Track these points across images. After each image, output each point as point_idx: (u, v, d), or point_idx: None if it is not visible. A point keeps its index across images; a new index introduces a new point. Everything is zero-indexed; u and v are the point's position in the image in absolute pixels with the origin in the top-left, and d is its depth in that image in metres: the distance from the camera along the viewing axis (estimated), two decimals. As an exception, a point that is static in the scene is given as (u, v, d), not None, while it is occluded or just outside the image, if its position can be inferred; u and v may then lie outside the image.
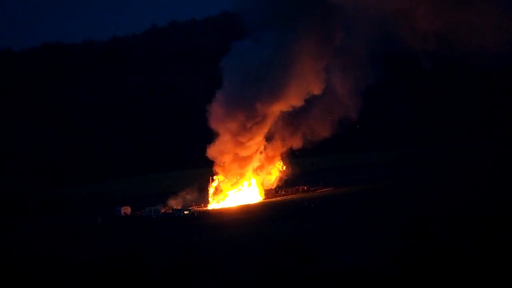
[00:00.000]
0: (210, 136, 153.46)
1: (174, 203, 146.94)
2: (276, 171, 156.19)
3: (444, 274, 63.62)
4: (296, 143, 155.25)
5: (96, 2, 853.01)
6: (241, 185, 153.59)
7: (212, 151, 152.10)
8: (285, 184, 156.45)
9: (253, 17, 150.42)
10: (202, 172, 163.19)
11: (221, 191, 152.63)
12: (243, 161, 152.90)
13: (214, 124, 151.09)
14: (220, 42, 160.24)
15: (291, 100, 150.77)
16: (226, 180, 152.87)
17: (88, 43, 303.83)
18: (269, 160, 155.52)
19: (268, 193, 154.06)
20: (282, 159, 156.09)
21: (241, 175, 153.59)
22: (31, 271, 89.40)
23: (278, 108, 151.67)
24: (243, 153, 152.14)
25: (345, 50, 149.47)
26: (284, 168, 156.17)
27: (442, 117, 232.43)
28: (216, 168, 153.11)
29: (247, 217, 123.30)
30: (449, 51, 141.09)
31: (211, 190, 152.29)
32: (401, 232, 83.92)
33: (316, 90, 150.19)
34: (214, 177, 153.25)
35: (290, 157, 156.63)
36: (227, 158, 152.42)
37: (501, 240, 71.80)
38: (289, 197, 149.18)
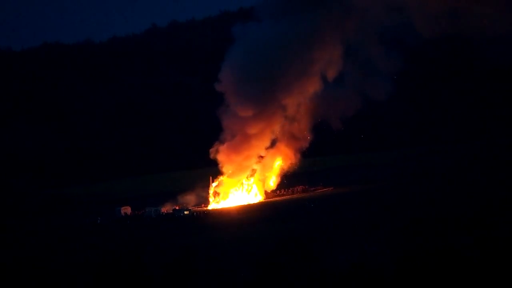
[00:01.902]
0: (210, 136, 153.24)
1: (189, 200, 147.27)
2: (278, 170, 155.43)
3: (443, 273, 63.66)
4: (304, 139, 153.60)
5: (96, 2, 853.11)
6: (242, 185, 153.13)
7: (217, 149, 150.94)
8: (285, 184, 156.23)
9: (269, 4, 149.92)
10: (202, 172, 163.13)
11: (222, 191, 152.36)
12: (248, 158, 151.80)
13: (224, 109, 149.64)
14: (219, 42, 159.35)
15: (309, 85, 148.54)
16: (228, 178, 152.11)
17: (88, 43, 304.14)
18: (274, 157, 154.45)
19: (268, 193, 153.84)
20: (286, 157, 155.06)
21: (244, 173, 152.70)
22: (31, 271, 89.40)
23: (295, 93, 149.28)
24: (250, 150, 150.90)
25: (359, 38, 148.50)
26: (287, 167, 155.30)
27: (442, 116, 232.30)
28: (219, 165, 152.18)
29: (247, 217, 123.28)
30: (458, 41, 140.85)
31: (211, 190, 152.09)
32: (401, 231, 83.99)
33: (331, 72, 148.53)
34: (216, 177, 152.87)
35: (293, 156, 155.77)
36: (231, 156, 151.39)
37: (500, 239, 71.83)
38: (288, 197, 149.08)
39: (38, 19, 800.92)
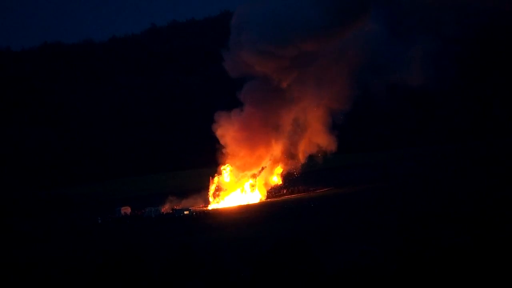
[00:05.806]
0: (210, 136, 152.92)
1: (188, 199, 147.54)
2: (280, 169, 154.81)
3: (443, 273, 63.69)
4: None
5: (96, 2, 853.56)
6: (243, 184, 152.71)
7: (224, 135, 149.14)
8: (284, 184, 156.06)
9: None
10: (203, 172, 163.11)
11: (222, 190, 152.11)
12: (256, 150, 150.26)
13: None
14: (219, 42, 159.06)
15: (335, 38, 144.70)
16: (232, 174, 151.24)
17: (88, 43, 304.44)
18: (283, 154, 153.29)
19: (268, 193, 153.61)
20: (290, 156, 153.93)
21: (251, 169, 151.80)
22: (31, 271, 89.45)
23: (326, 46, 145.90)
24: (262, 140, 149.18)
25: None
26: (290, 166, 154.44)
27: (441, 117, 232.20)
28: (225, 159, 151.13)
29: (247, 217, 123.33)
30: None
31: (211, 190, 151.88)
32: (400, 232, 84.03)
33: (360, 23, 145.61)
34: (219, 172, 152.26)
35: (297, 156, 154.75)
36: (239, 146, 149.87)
37: (500, 239, 71.84)
38: (288, 197, 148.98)
39: (38, 19, 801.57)
